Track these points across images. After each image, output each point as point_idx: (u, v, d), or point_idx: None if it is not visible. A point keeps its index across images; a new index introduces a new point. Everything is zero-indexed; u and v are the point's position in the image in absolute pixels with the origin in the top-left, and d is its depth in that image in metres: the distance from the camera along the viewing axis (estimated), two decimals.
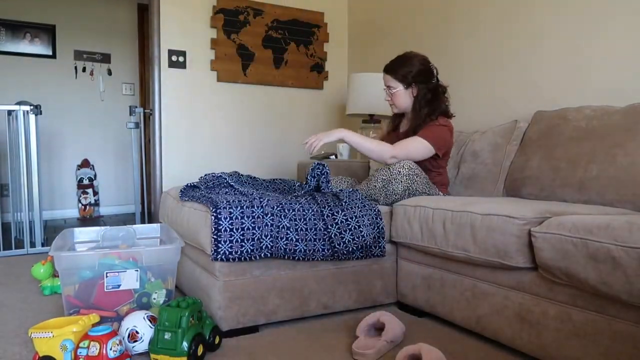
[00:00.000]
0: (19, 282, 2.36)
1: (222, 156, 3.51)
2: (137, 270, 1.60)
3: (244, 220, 1.62)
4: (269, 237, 1.65)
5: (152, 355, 1.40)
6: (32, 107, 3.13)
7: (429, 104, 2.08)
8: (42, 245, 3.19)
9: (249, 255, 1.62)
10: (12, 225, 3.36)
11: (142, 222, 4.37)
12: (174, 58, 3.29)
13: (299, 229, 1.69)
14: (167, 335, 1.38)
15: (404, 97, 2.11)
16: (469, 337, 1.66)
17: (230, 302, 1.65)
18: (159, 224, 2.05)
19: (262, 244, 1.64)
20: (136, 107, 3.87)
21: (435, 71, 2.12)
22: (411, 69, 2.07)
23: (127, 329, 1.47)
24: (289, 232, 1.67)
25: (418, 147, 2.01)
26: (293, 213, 1.69)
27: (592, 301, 1.26)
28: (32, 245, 3.20)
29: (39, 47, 4.67)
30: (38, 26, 4.66)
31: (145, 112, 3.73)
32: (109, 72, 4.98)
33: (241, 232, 1.61)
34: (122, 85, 5.05)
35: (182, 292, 2.13)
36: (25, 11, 4.62)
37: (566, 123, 2.01)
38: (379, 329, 1.62)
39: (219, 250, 1.59)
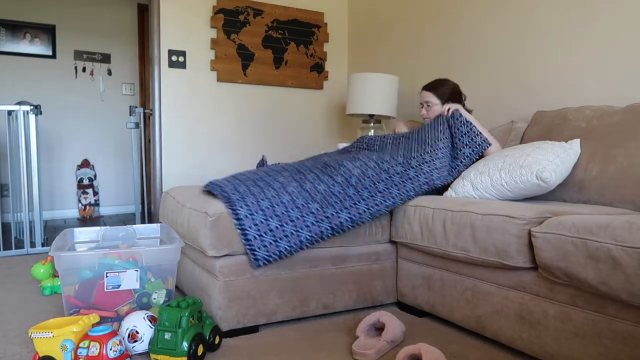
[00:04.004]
0: (19, 282, 2.36)
1: (222, 156, 3.51)
2: (137, 270, 1.60)
3: (269, 222, 1.65)
4: (294, 226, 1.68)
5: (152, 355, 1.40)
6: (32, 107, 3.13)
7: None
8: (42, 245, 3.19)
9: (288, 252, 1.65)
10: (12, 225, 3.36)
11: (142, 222, 4.37)
12: (174, 58, 3.29)
13: (321, 207, 1.73)
14: (167, 335, 1.38)
15: (440, 112, 2.32)
16: (469, 337, 1.66)
17: (230, 302, 1.66)
18: (159, 224, 2.05)
19: (300, 236, 1.67)
20: (136, 107, 3.87)
21: (464, 96, 2.39)
22: (447, 88, 2.32)
23: (127, 329, 1.47)
24: (312, 213, 1.71)
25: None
26: (316, 196, 1.75)
27: (592, 301, 1.26)
28: (32, 245, 3.20)
29: (39, 47, 4.67)
30: (38, 26, 4.66)
31: (145, 112, 3.73)
32: (109, 72, 4.98)
33: (272, 235, 1.65)
34: (122, 85, 5.05)
35: (182, 292, 2.13)
36: (25, 11, 4.62)
37: (566, 123, 2.01)
38: (379, 329, 1.62)
39: (257, 256, 1.62)
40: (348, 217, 1.73)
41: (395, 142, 2.19)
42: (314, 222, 1.69)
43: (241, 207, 1.65)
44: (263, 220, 1.65)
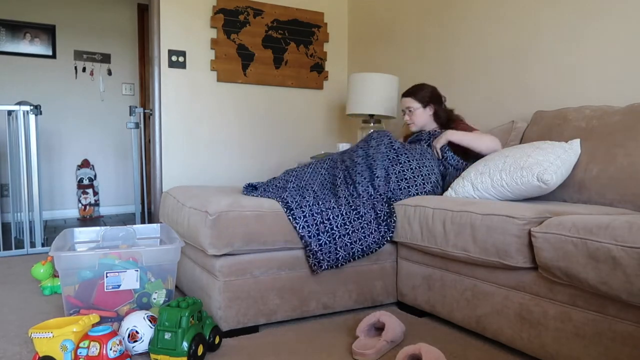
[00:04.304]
0: (19, 282, 2.36)
1: (222, 156, 3.51)
2: (137, 270, 1.60)
3: (328, 240, 1.77)
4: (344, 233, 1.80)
5: (152, 355, 1.40)
6: (32, 107, 3.13)
7: (450, 118, 2.38)
8: (42, 245, 3.19)
9: (345, 259, 1.77)
10: (12, 226, 3.36)
11: (142, 222, 4.37)
12: (174, 58, 3.29)
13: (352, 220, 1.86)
14: (167, 335, 1.38)
15: (422, 115, 2.36)
16: (469, 337, 1.66)
17: (230, 302, 1.66)
18: (159, 224, 2.05)
19: (353, 249, 1.79)
20: (136, 107, 3.87)
21: (444, 98, 2.41)
22: (427, 92, 2.36)
23: (127, 329, 1.47)
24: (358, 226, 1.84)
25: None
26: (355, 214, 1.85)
27: (592, 301, 1.27)
28: (32, 245, 3.20)
29: (39, 47, 4.67)
30: (38, 26, 4.66)
31: (145, 112, 3.73)
32: (109, 72, 4.98)
33: (327, 250, 1.76)
34: (122, 85, 5.05)
35: (182, 292, 2.13)
36: (25, 11, 4.62)
37: (566, 123, 2.01)
38: (379, 329, 1.62)
39: (321, 264, 1.73)
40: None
41: (390, 161, 2.16)
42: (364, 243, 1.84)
43: (304, 225, 1.76)
44: (323, 237, 1.77)
